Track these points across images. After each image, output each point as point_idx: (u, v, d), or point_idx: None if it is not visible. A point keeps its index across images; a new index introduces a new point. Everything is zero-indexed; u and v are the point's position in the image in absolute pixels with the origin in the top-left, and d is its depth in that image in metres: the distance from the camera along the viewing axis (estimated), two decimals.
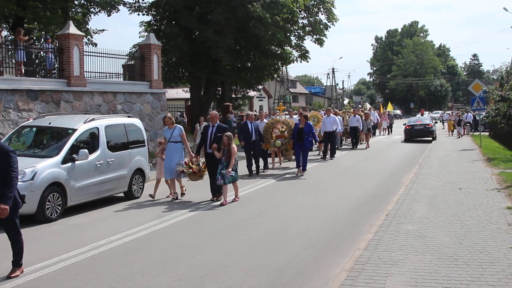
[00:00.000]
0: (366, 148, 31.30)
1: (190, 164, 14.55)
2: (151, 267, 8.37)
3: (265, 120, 22.59)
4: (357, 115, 31.40)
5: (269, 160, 21.93)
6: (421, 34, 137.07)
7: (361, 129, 31.88)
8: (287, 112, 29.76)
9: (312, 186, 17.08)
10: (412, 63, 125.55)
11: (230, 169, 13.59)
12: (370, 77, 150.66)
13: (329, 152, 25.16)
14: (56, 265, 8.60)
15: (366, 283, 7.21)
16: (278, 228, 11.02)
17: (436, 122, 49.40)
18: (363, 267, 7.90)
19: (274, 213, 12.81)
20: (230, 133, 13.96)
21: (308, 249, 9.38)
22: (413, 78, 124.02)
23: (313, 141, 20.85)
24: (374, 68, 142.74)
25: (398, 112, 56.88)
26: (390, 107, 59.73)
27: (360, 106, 70.66)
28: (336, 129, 25.54)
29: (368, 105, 59.98)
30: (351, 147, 31.23)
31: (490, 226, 10.25)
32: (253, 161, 20.05)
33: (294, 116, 25.07)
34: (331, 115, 25.87)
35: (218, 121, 14.74)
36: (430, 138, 37.19)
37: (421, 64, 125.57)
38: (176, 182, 14.82)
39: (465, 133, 42.08)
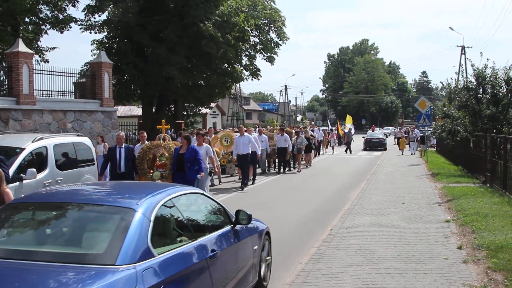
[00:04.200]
0: (297, 172, 27.29)
1: None
2: None
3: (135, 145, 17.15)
4: (284, 134, 26.49)
5: None
6: (372, 52, 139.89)
7: (290, 149, 26.64)
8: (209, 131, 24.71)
9: (255, 205, 17.00)
10: (363, 80, 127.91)
11: None
12: (323, 94, 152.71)
13: (251, 178, 21.94)
14: None
15: None
16: None
17: (387, 137, 56.97)
18: (303, 280, 8.21)
19: None
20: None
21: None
22: (364, 95, 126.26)
23: (199, 171, 14.29)
24: (327, 85, 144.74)
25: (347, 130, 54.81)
26: (349, 120, 58.14)
27: (313, 123, 71.38)
28: (251, 151, 21.51)
29: (307, 121, 59.51)
30: (277, 171, 27.21)
31: (427, 239, 10.73)
32: None
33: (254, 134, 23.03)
34: (245, 134, 21.78)
35: None
36: (383, 149, 47.14)
37: (372, 81, 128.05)
38: None
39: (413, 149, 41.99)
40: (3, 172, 8.27)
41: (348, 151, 43.26)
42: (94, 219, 5.47)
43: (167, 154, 15.57)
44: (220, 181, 22.35)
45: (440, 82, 77.31)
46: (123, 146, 14.56)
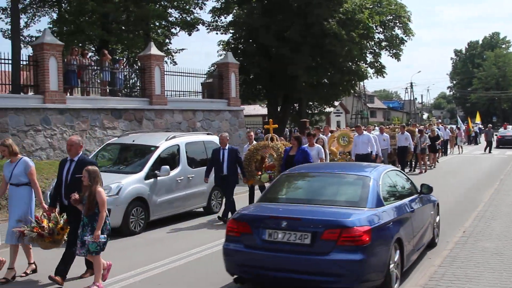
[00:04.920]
0: (419, 173, 25.59)
1: (41, 221, 8.71)
2: (229, 280, 8.58)
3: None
4: (406, 132, 25.43)
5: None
6: (503, 46, 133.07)
7: (412, 149, 25.50)
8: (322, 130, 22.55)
9: None
10: (494, 76, 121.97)
11: (99, 232, 8.08)
12: (450, 91, 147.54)
13: None
14: (139, 275, 9.09)
15: None
16: None
17: None
18: (437, 283, 7.94)
19: None
20: (94, 167, 8.42)
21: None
22: (495, 91, 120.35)
23: None
24: (454, 82, 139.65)
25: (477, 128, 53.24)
26: (478, 118, 57.55)
27: (439, 121, 68.95)
28: (371, 151, 19.99)
29: (434, 119, 57.95)
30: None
31: None
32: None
33: (366, 133, 21.07)
34: (365, 133, 20.82)
35: (80, 152, 8.91)
36: None
37: (503, 76, 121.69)
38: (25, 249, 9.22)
39: None
40: (99, 174, 8.42)
41: (488, 150, 40.22)
42: (347, 182, 8.89)
43: (275, 155, 14.85)
44: None
45: None
46: (227, 147, 14.01)
